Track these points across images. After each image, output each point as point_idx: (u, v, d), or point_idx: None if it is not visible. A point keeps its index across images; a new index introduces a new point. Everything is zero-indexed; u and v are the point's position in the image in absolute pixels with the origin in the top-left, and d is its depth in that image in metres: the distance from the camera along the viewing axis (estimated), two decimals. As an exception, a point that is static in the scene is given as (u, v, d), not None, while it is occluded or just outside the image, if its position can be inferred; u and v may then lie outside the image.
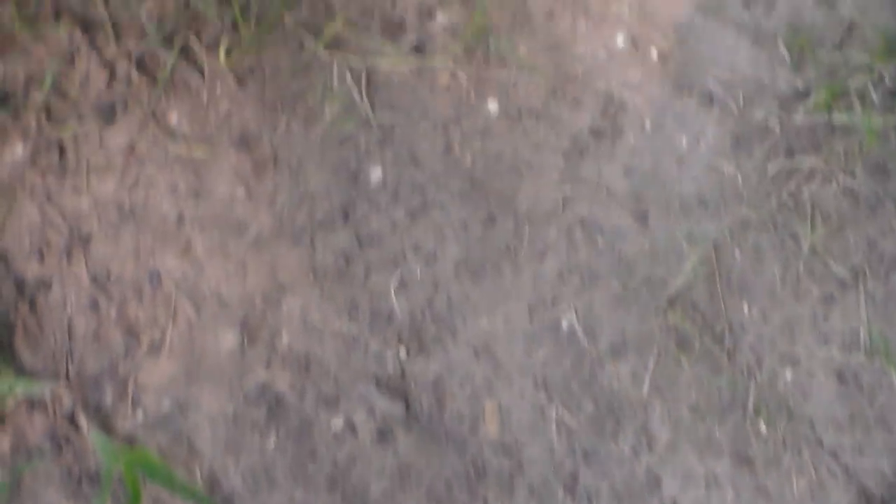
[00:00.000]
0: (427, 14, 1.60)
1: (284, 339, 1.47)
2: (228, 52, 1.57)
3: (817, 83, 1.60)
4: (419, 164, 1.56)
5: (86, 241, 1.50)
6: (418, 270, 1.51)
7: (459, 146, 1.58)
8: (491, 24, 1.60)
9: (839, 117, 1.56)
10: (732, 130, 1.59)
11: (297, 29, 1.59)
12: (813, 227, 1.54)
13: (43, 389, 1.41)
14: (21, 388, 1.39)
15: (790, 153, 1.58)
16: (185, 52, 1.58)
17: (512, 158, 1.57)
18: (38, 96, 1.54)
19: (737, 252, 1.54)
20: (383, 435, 1.43)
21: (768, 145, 1.58)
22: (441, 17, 1.60)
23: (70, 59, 1.56)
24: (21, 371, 1.42)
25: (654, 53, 1.61)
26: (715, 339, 1.50)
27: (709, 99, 1.59)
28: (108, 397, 1.43)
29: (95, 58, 1.56)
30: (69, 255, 1.49)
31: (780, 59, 1.62)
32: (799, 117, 1.59)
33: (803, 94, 1.60)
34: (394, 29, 1.60)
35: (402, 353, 1.47)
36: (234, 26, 1.57)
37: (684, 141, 1.59)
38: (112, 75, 1.57)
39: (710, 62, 1.61)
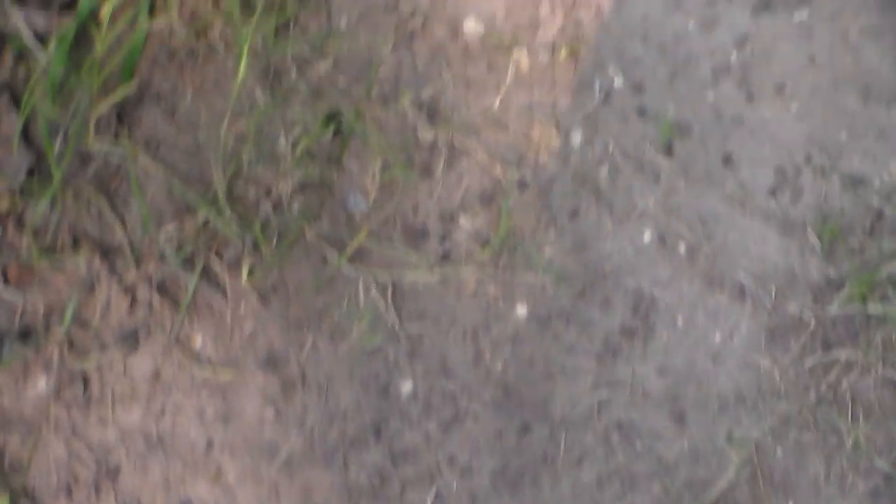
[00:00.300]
0: (450, 219, 1.70)
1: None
2: (251, 271, 1.67)
3: (850, 272, 1.71)
4: (450, 373, 1.65)
5: (114, 473, 1.59)
6: (454, 484, 1.60)
7: (490, 353, 1.68)
8: (515, 226, 1.69)
9: (875, 307, 1.65)
10: (766, 324, 1.68)
11: (319, 243, 1.69)
12: (854, 420, 1.64)
13: None
14: None
15: (827, 346, 1.68)
16: (207, 274, 1.67)
17: (544, 363, 1.67)
18: (59, 327, 1.61)
19: (778, 450, 1.63)
20: None
21: (804, 338, 1.68)
22: (464, 222, 1.71)
23: (90, 287, 1.65)
24: None
25: (682, 248, 1.71)
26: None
27: (740, 293, 1.69)
28: None
29: (116, 284, 1.66)
30: (97, 489, 1.57)
31: (810, 248, 1.72)
32: (833, 308, 1.69)
33: (837, 284, 1.71)
34: (417, 237, 1.70)
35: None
36: (255, 245, 1.66)
37: (718, 337, 1.68)
38: (133, 301, 1.66)
39: (739, 254, 1.71)
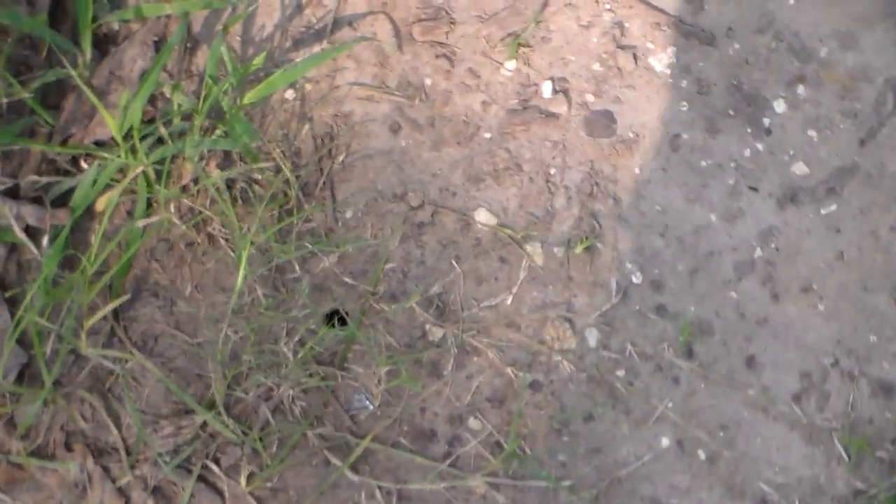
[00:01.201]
0: (459, 422, 2.01)
1: None
2: (250, 476, 1.97)
3: (879, 485, 1.99)
4: None
5: None
6: None
7: None
8: (527, 430, 2.00)
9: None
10: None
11: (322, 447, 1.98)
12: None
13: None
14: None
15: None
16: (204, 477, 1.97)
17: None
18: None
19: None
20: None
21: None
22: (474, 424, 2.01)
23: (83, 490, 1.95)
24: None
25: (701, 454, 2.02)
26: None
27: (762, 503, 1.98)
28: None
29: (109, 487, 1.96)
30: None
31: (836, 457, 2.02)
32: None
33: (865, 498, 1.99)
34: (424, 439, 2.01)
35: None
36: (255, 448, 1.96)
37: None
38: None
39: (762, 463, 2.01)
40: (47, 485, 1.98)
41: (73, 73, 2.02)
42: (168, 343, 2.07)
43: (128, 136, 2.00)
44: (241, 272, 1.93)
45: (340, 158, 2.15)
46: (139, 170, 1.97)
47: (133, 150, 2.00)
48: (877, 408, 2.07)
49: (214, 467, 1.99)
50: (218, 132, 2.07)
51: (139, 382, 2.05)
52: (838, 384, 2.06)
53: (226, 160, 2.14)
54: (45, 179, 2.10)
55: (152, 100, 2.15)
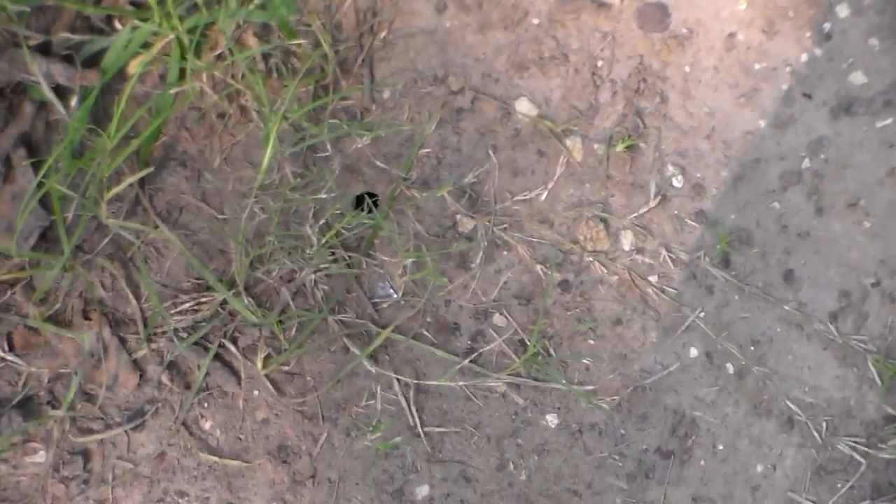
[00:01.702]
0: (484, 317, 1.95)
1: None
2: (267, 358, 1.92)
3: None
4: (470, 481, 1.92)
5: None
6: None
7: (514, 463, 1.94)
8: (553, 329, 1.94)
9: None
10: (813, 459, 1.93)
11: (342, 334, 1.93)
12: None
13: None
14: None
15: (877, 491, 1.91)
16: (220, 356, 1.93)
17: (571, 478, 1.92)
18: (63, 399, 1.88)
19: None
20: None
21: (853, 480, 1.91)
22: (498, 321, 1.95)
23: (98, 360, 1.91)
24: None
25: (730, 368, 1.96)
26: None
27: (789, 422, 1.93)
28: None
29: (125, 359, 1.92)
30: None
31: (869, 381, 1.95)
32: (888, 451, 1.91)
33: (894, 424, 1.92)
34: (447, 333, 1.96)
35: None
36: (273, 333, 1.92)
37: (760, 467, 1.93)
38: (142, 378, 1.92)
39: (791, 381, 1.95)
40: (62, 351, 1.95)
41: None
42: (192, 216, 2.05)
43: (163, -1, 1.90)
44: (269, 150, 1.87)
45: (382, 35, 2.07)
46: (171, 36, 1.88)
47: (168, 15, 1.88)
48: (916, 332, 1.98)
49: (231, 347, 1.96)
50: (257, 1, 1.94)
51: (161, 254, 2.06)
52: (878, 306, 1.98)
53: (264, 29, 2.08)
54: (77, 37, 2.03)
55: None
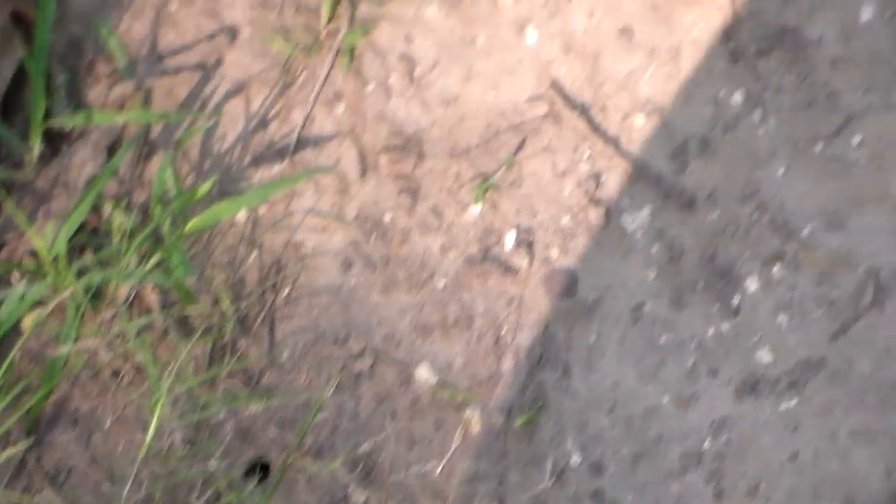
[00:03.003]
0: None
1: None
2: None
3: None
4: None
5: None
6: None
7: None
8: None
9: None
10: None
11: None
12: None
13: None
14: None
15: None
16: None
17: None
18: None
19: None
20: None
21: None
22: None
23: None
24: None
25: None
26: None
27: None
28: None
29: None
30: None
31: None
32: None
33: None
34: None
35: None
36: None
37: None
38: None
39: None
40: None
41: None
42: (80, 478, 1.99)
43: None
44: (154, 420, 1.84)
45: (286, 292, 2.03)
46: (66, 293, 1.85)
47: (62, 273, 1.86)
48: None
49: None
50: (157, 258, 1.94)
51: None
52: None
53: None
54: (-28, 288, 1.91)
55: (98, 208, 2.00)
